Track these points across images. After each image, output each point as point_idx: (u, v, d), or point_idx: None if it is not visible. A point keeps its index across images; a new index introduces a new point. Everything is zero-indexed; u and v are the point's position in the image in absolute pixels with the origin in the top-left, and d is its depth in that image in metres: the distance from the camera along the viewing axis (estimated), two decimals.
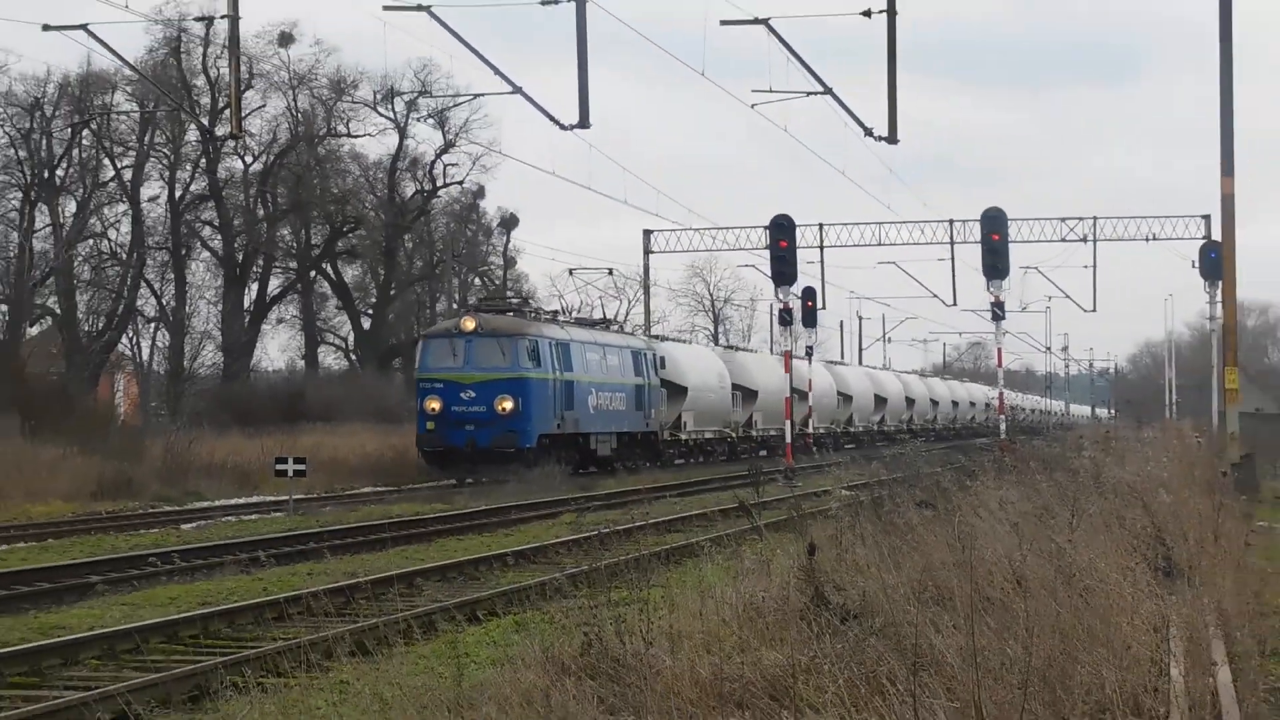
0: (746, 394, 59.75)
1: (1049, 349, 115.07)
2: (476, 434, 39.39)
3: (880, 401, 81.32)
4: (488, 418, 39.53)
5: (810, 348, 63.21)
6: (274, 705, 9.83)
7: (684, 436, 53.10)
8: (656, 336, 57.55)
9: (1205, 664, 10.12)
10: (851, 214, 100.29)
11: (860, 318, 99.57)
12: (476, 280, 77.86)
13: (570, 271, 56.61)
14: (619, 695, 8.60)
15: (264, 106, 63.66)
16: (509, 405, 39.52)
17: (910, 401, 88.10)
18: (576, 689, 8.80)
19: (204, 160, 64.45)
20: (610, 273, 57.28)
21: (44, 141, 62.30)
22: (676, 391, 52.54)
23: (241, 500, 36.07)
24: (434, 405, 39.98)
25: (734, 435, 58.76)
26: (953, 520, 14.53)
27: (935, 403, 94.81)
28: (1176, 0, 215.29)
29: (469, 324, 40.99)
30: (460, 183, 72.49)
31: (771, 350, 65.57)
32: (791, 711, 8.25)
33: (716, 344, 79.53)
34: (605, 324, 52.20)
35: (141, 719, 11.08)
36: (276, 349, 75.24)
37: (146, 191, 65.75)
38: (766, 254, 48.62)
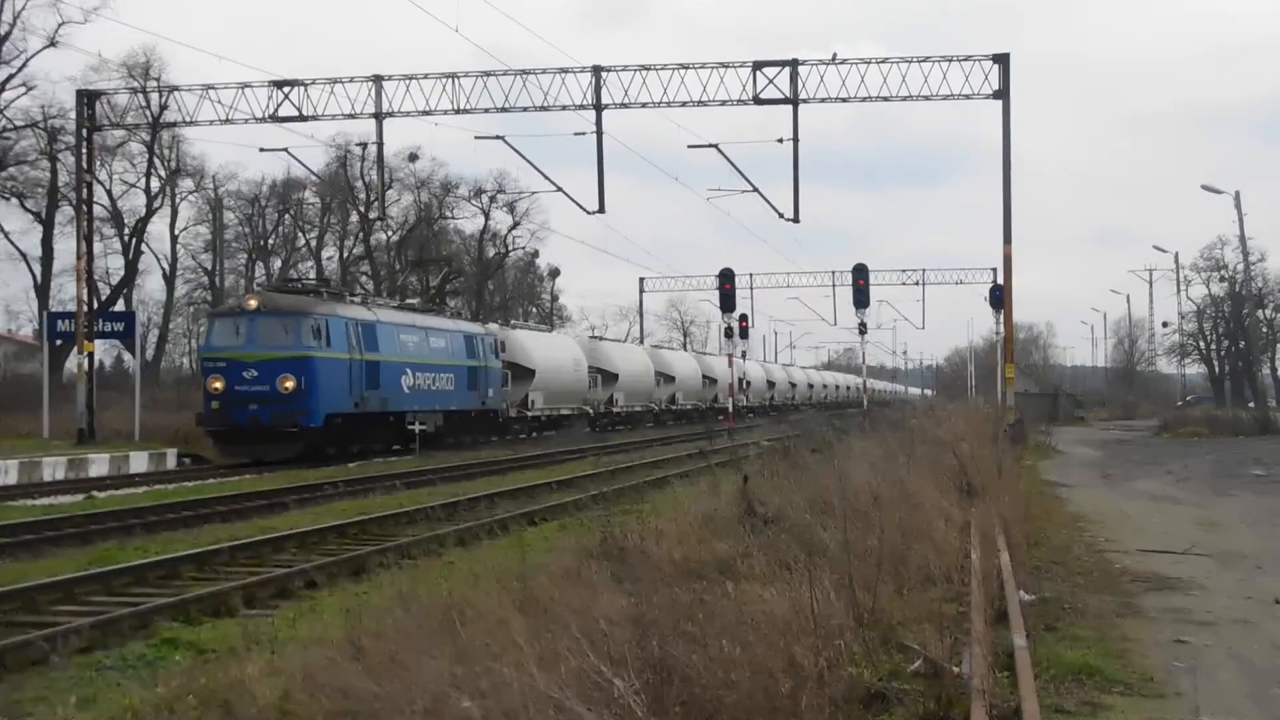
0: (607, 376, 47.98)
1: (894, 352, 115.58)
2: (259, 412, 27.59)
3: (770, 384, 73.16)
4: (270, 396, 27.65)
5: (745, 352, 63.30)
6: (405, 577, 9.82)
7: (532, 414, 40.90)
8: (508, 324, 45.05)
9: (992, 550, 10.14)
10: (771, 267, 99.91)
11: (775, 333, 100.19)
12: (534, 309, 77.86)
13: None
14: (624, 570, 8.60)
15: (399, 200, 63.55)
16: (291, 384, 27.70)
17: (771, 383, 76.18)
18: (597, 566, 8.81)
19: (361, 233, 64.36)
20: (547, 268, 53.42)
21: (260, 222, 62.29)
22: (524, 373, 40.03)
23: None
24: (217, 384, 27.93)
25: (593, 411, 46.39)
26: (833, 460, 14.55)
27: (809, 385, 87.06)
28: (972, 130, 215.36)
29: (252, 303, 29.06)
30: (523, 248, 72.62)
31: (720, 353, 64.50)
32: (733, 581, 8.26)
33: (685, 350, 78.59)
34: (436, 310, 40.28)
35: (322, 585, 11.11)
36: None
37: (325, 253, 65.84)
38: (717, 292, 48.52)
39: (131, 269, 52.02)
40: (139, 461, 27.54)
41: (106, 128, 39.27)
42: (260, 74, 41.03)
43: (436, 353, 33.78)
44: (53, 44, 41.59)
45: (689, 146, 33.77)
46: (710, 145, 33.58)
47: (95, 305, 37.13)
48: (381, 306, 33.42)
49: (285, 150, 35.00)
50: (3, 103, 43.10)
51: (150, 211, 52.70)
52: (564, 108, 32.49)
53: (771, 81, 32.06)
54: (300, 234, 65.08)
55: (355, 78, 32.84)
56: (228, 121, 33.41)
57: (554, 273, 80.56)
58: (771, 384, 73.63)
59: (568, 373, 43.74)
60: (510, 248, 71.55)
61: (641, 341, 65.88)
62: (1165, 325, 76.68)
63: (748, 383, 66.60)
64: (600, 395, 47.43)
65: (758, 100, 32.09)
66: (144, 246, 53.06)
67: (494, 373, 37.66)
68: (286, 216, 63.66)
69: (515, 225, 69.54)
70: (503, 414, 38.50)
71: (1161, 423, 49.30)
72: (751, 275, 67.08)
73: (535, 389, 40.85)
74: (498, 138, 33.69)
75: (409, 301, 40.56)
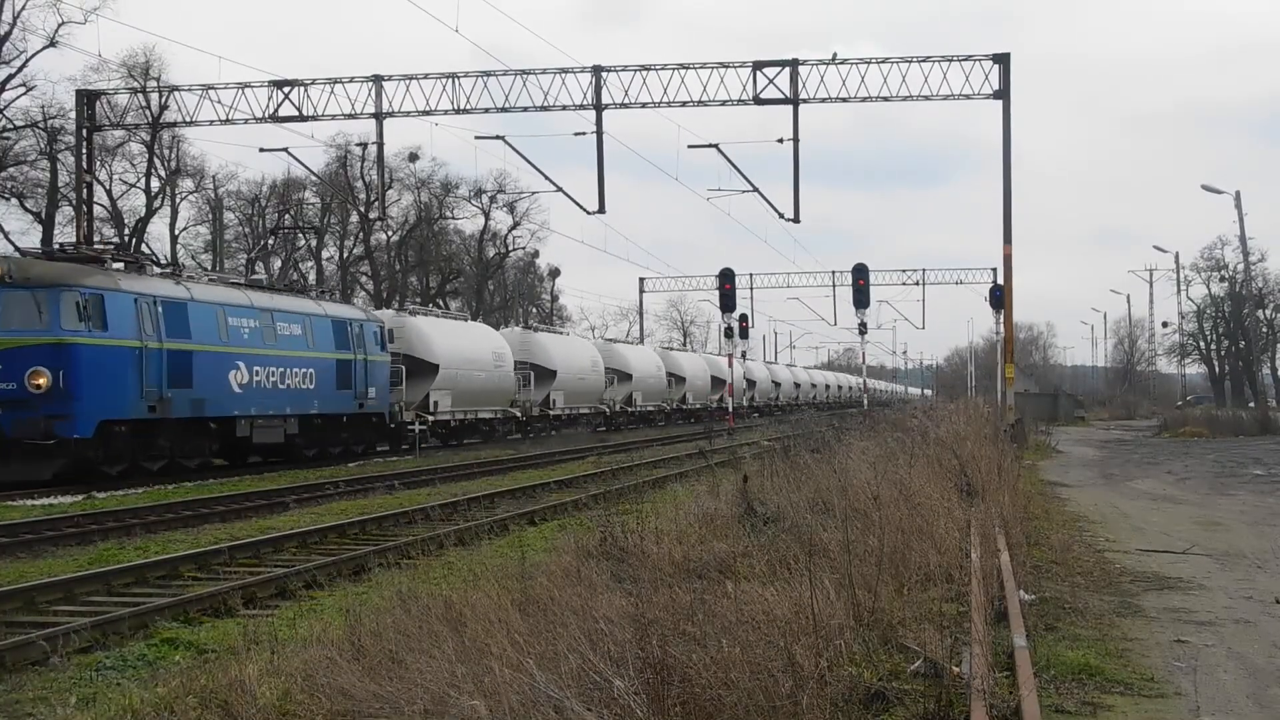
0: (542, 373, 41.45)
1: (894, 352, 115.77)
2: (3, 418, 20.58)
3: (750, 384, 69.28)
4: (16, 396, 20.55)
5: (745, 353, 63.23)
6: (405, 577, 9.83)
7: (436, 417, 33.34)
8: (410, 311, 37.50)
9: (992, 550, 10.13)
10: (771, 267, 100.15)
11: (776, 333, 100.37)
12: (534, 309, 77.88)
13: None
14: (623, 570, 8.61)
15: (399, 200, 63.63)
16: (44, 380, 20.55)
17: (752, 382, 70.44)
18: (597, 566, 8.82)
19: (361, 233, 64.40)
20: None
21: (260, 222, 62.30)
22: (425, 369, 33.33)
23: (385, 448, 35.12)
24: None
25: (523, 415, 39.44)
26: (833, 460, 14.54)
27: (794, 384, 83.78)
28: (972, 130, 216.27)
29: None
30: (523, 248, 72.87)
31: (720, 353, 63.98)
32: (733, 581, 8.26)
33: (688, 347, 78.38)
34: (293, 288, 31.14)
35: (322, 585, 11.10)
36: None
37: (325, 253, 65.90)
38: (717, 292, 48.49)
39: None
40: None
41: (106, 128, 39.28)
42: (260, 74, 41.23)
43: (288, 341, 26.65)
44: (53, 44, 41.54)
45: (689, 146, 33.87)
46: (710, 145, 33.64)
47: None
48: (203, 281, 26.14)
49: (285, 150, 35.10)
50: (3, 103, 43.06)
51: (150, 211, 52.72)
52: (564, 108, 32.53)
53: (771, 81, 32.09)
54: (301, 234, 65.12)
55: (355, 78, 32.88)
56: (228, 121, 33.45)
57: (554, 273, 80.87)
58: (752, 383, 70.61)
59: (485, 369, 36.85)
60: (510, 248, 71.75)
61: (642, 341, 65.66)
62: (1165, 325, 76.87)
63: (559, 371, 60.18)
64: (533, 396, 40.66)
65: (758, 100, 32.11)
66: (144, 246, 53.07)
67: (378, 368, 30.66)
68: (286, 217, 63.70)
69: (515, 225, 69.78)
70: (395, 418, 31.92)
71: (1161, 423, 49.34)
72: (751, 275, 67.32)
73: (440, 388, 33.97)
74: (498, 138, 33.77)
75: (255, 278, 31.12)
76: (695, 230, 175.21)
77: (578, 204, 34.44)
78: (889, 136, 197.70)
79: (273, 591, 10.98)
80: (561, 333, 53.71)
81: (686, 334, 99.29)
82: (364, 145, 51.95)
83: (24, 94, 43.35)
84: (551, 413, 41.94)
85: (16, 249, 35.73)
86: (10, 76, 42.58)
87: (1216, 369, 78.15)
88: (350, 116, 33.17)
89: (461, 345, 36.53)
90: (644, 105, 32.28)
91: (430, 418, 32.99)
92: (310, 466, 27.16)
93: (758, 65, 32.20)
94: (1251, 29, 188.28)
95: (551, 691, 5.15)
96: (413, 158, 61.05)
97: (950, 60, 31.78)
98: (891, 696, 6.04)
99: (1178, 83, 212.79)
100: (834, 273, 65.92)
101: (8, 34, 41.64)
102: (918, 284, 66.75)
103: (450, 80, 32.54)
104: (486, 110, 32.91)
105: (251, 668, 6.55)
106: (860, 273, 44.99)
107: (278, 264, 63.72)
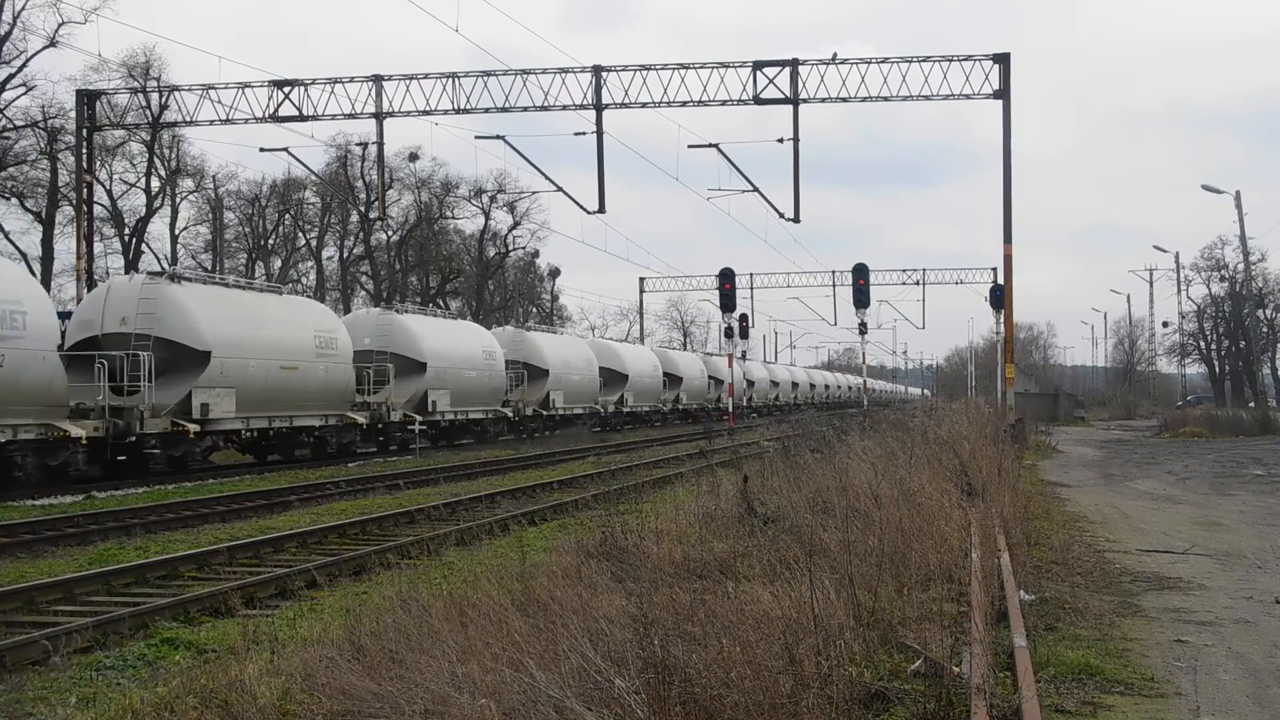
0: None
1: (894, 352, 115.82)
2: None
3: (750, 383, 67.95)
4: None
5: (745, 353, 63.23)
6: (406, 577, 9.82)
7: (550, 411, 25.60)
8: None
9: (993, 550, 10.13)
10: (771, 267, 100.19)
11: (776, 333, 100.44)
12: (534, 309, 77.89)
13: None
14: (624, 570, 8.60)
15: (399, 199, 63.66)
16: None
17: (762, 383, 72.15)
18: (597, 566, 8.82)
19: (361, 233, 64.39)
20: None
21: (260, 222, 62.32)
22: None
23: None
24: None
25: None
26: (833, 460, 14.53)
27: (810, 384, 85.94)
28: (973, 130, 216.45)
29: None
30: (523, 248, 72.93)
31: (719, 352, 63.85)
32: (732, 580, 8.25)
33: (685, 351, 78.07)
34: None
35: (322, 585, 11.09)
36: None
37: (325, 253, 65.94)
38: (717, 292, 48.42)
39: (132, 269, 51.96)
40: None
41: (106, 128, 39.29)
42: (260, 74, 41.26)
43: None
44: (53, 44, 41.49)
45: (689, 146, 33.88)
46: (710, 145, 33.65)
47: None
48: None
49: (285, 150, 35.20)
50: (3, 103, 43.02)
51: (150, 211, 52.69)
52: (564, 108, 32.54)
53: (772, 81, 32.10)
54: (300, 234, 65.13)
55: (355, 78, 32.88)
56: (228, 121, 33.46)
57: (554, 273, 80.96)
58: (752, 383, 68.88)
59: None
60: (510, 248, 71.77)
61: (642, 341, 65.57)
62: (1165, 325, 76.87)
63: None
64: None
65: (758, 100, 32.12)
66: (144, 246, 53.09)
67: None
68: (286, 216, 63.68)
69: (515, 225, 69.85)
70: None
71: (1161, 423, 49.29)
72: (751, 275, 67.30)
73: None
74: (498, 138, 33.81)
75: None
76: (695, 230, 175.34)
77: (578, 204, 34.50)
78: (889, 137, 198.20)
79: (273, 591, 10.98)
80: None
81: (686, 334, 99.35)
82: (364, 145, 52.10)
83: (24, 94, 43.35)
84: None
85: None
86: (10, 76, 42.55)
87: (1216, 369, 78.12)
88: (350, 116, 33.19)
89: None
90: (644, 105, 32.29)
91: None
92: (311, 467, 27.18)
93: (758, 65, 32.20)
94: (1253, 27, 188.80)
95: (552, 691, 5.15)
96: (413, 158, 61.09)
97: (950, 60, 31.80)
98: (892, 696, 6.03)
99: (1178, 82, 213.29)
100: (834, 273, 66.02)
101: (8, 34, 41.62)
102: (918, 284, 66.76)
103: (450, 80, 32.56)
104: (486, 110, 32.94)
105: (251, 668, 6.55)
106: (860, 273, 44.93)
107: (278, 264, 63.72)
